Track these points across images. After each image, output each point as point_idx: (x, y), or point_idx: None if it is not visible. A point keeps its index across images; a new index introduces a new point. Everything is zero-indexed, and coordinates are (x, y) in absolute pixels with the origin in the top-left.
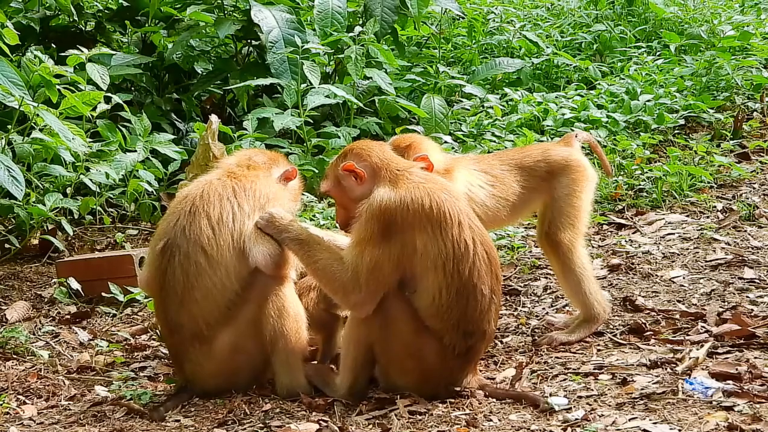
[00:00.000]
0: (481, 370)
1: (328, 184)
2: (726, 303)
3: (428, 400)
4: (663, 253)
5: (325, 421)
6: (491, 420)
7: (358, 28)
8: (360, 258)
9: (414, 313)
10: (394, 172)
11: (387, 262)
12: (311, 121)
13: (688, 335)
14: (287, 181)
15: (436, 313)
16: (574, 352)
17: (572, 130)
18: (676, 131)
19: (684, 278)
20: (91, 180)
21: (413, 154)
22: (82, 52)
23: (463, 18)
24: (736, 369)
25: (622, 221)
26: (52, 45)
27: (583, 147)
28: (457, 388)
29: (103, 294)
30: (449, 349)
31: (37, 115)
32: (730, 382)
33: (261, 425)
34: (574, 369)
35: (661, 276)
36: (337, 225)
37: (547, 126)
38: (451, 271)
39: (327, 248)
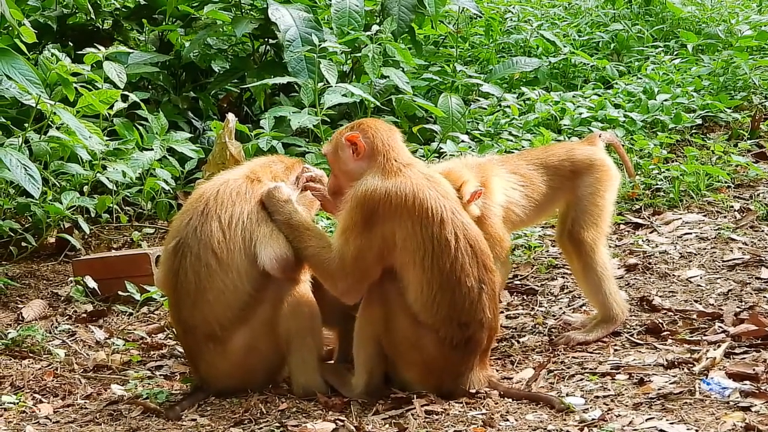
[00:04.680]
0: (498, 370)
1: (328, 147)
2: (743, 303)
3: (443, 397)
4: (680, 253)
5: (342, 421)
6: (508, 420)
7: (375, 27)
8: (345, 246)
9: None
10: (391, 162)
11: (369, 252)
12: (328, 120)
13: (705, 335)
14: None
15: (423, 307)
16: (591, 352)
17: (590, 130)
18: (693, 131)
19: (701, 278)
20: (107, 178)
21: (463, 188)
22: (99, 50)
23: (480, 17)
24: (754, 369)
25: (639, 221)
26: (70, 43)
27: (606, 147)
28: (472, 390)
29: (120, 292)
30: (447, 341)
31: (54, 113)
32: (748, 382)
33: (277, 424)
34: (591, 369)
35: (678, 276)
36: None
37: (565, 125)
38: (431, 266)
39: (317, 234)
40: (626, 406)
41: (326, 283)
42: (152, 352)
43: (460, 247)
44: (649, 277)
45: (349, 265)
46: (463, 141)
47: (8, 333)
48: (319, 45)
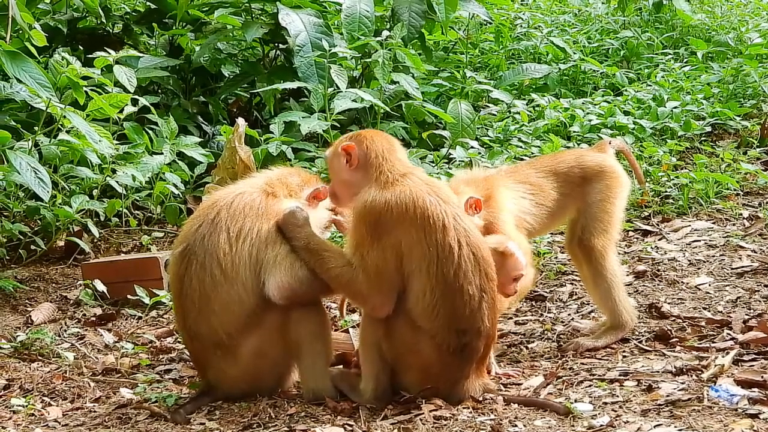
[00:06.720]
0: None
1: (329, 152)
2: (752, 310)
3: (452, 404)
4: (689, 260)
5: (350, 425)
6: (516, 425)
7: (385, 33)
8: (364, 262)
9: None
10: (386, 174)
11: (386, 264)
12: (338, 125)
13: (713, 342)
14: (316, 200)
15: (423, 313)
16: (600, 359)
17: (600, 137)
18: (702, 138)
19: (710, 285)
20: (117, 182)
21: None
22: (110, 54)
23: (490, 23)
24: (762, 376)
25: (648, 228)
26: (80, 47)
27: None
28: (477, 398)
29: (129, 296)
30: (443, 347)
31: (64, 116)
32: (756, 389)
33: (286, 429)
34: (599, 375)
35: (687, 283)
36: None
37: (574, 132)
38: (435, 273)
39: (337, 255)
40: (634, 412)
41: (356, 301)
42: (161, 356)
43: (463, 254)
44: (658, 284)
45: (374, 280)
46: (472, 147)
47: (17, 336)
48: (330, 50)
